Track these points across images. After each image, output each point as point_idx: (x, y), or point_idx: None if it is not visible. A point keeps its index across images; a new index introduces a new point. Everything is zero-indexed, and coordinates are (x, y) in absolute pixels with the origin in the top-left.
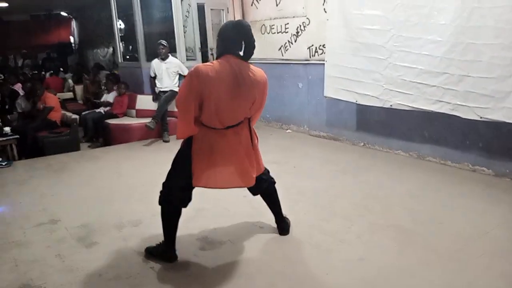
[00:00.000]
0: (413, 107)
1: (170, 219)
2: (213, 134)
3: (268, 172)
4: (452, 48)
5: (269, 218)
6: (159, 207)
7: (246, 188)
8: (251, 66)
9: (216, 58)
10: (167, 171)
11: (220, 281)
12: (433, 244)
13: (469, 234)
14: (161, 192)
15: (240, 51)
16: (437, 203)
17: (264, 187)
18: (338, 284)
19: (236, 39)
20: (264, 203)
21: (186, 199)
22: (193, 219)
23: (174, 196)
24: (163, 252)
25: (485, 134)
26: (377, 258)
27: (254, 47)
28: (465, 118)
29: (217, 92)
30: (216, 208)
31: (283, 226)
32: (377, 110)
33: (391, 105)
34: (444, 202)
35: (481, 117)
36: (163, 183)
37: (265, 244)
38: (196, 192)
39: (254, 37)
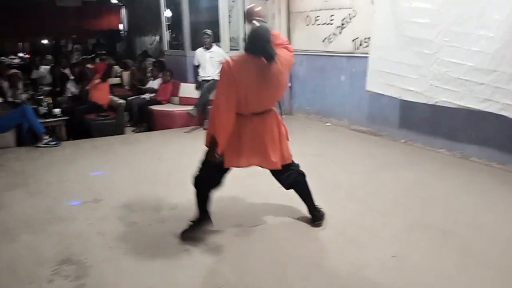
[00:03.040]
0: (460, 105)
1: (202, 196)
2: (241, 119)
3: (298, 165)
4: (506, 45)
5: (304, 209)
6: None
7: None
8: (278, 53)
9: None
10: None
11: (254, 267)
12: (472, 248)
13: (510, 240)
14: (194, 178)
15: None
16: (479, 205)
17: (293, 177)
18: (371, 280)
19: (264, 41)
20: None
21: (218, 182)
22: (229, 206)
23: (207, 179)
24: (199, 222)
25: None
26: (412, 257)
27: (270, 54)
28: None
29: (245, 81)
30: (251, 197)
31: (316, 216)
32: (421, 106)
33: (436, 102)
34: (486, 204)
35: None
36: (198, 166)
37: (300, 235)
38: (231, 180)
39: (299, 28)
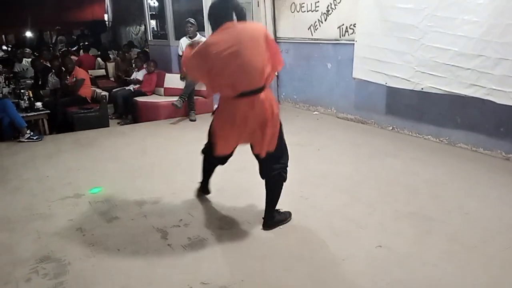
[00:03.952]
0: (446, 91)
1: (205, 167)
2: (228, 102)
3: (286, 166)
4: (490, 29)
5: (289, 201)
6: (179, 185)
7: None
8: (248, 23)
9: (213, 30)
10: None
11: (234, 260)
12: (458, 235)
13: (496, 226)
14: (204, 147)
15: (232, 18)
16: (465, 192)
17: (272, 175)
18: (355, 270)
19: (225, 11)
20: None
21: (222, 160)
22: (213, 199)
23: (211, 155)
24: (200, 185)
25: None
26: (397, 246)
27: (245, 14)
28: (500, 104)
29: (221, 59)
30: (237, 189)
31: (266, 221)
32: (407, 93)
33: (422, 88)
34: (472, 191)
35: None
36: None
37: (284, 227)
38: (217, 171)
39: (284, 16)
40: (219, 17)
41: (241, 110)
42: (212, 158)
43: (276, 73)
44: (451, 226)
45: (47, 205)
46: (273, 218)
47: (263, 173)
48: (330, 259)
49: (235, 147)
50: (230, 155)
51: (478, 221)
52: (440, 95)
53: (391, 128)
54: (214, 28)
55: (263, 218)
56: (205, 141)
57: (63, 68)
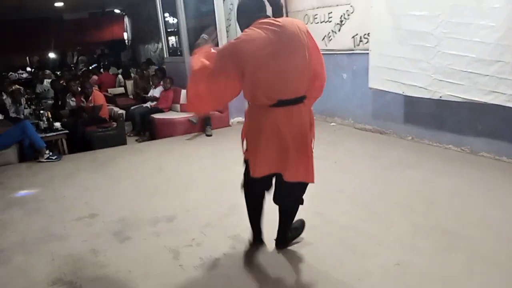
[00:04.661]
0: (465, 99)
1: (251, 208)
2: (260, 112)
3: (301, 194)
4: (507, 33)
5: (304, 216)
6: (193, 202)
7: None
8: (287, 18)
9: (242, 30)
10: (208, 163)
11: (249, 281)
12: (480, 250)
13: None
14: (243, 181)
15: (266, 12)
16: (487, 203)
17: (289, 200)
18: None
19: (260, 3)
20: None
21: (262, 190)
22: (228, 216)
23: (250, 188)
24: (252, 237)
25: None
26: (416, 263)
27: (281, 6)
28: None
29: (254, 56)
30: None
31: (279, 242)
32: (426, 101)
33: (440, 97)
34: (495, 202)
35: None
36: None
37: (298, 245)
38: (231, 186)
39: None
40: (252, 11)
41: (274, 120)
42: (255, 190)
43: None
44: (473, 241)
45: (62, 226)
46: (286, 238)
47: (280, 199)
48: (347, 278)
49: (274, 169)
50: (267, 187)
51: (501, 235)
52: (459, 103)
53: (410, 138)
54: (246, 24)
55: (275, 239)
56: (222, 158)
57: (79, 88)
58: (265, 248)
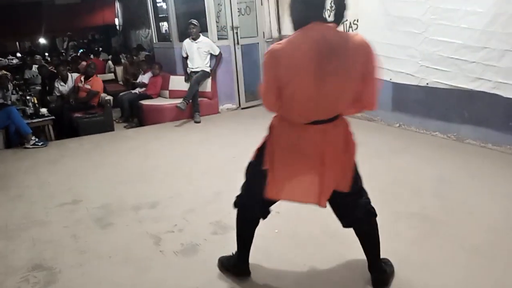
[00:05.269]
0: (451, 85)
1: (244, 228)
2: (292, 130)
3: (367, 197)
4: (494, 19)
5: (285, 204)
6: (178, 188)
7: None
8: (344, 32)
9: (294, 29)
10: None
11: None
12: (460, 236)
13: (502, 226)
14: (237, 198)
15: (324, 13)
16: (471, 190)
17: (358, 216)
18: (350, 277)
19: (318, 3)
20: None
21: (265, 211)
22: (211, 202)
23: (253, 205)
24: (234, 266)
25: None
26: (396, 250)
27: (345, 7)
28: (507, 97)
29: (297, 75)
30: (236, 191)
31: (378, 277)
32: (414, 88)
33: (427, 83)
34: (478, 189)
35: None
36: (241, 190)
37: (279, 230)
38: (217, 173)
39: (288, 13)
40: (307, 12)
41: (310, 138)
42: (254, 213)
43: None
44: (455, 227)
45: (45, 212)
46: (384, 271)
47: (348, 218)
48: (324, 264)
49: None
50: (269, 211)
51: (483, 221)
52: (446, 89)
53: (397, 125)
54: (297, 25)
55: (375, 275)
56: (210, 144)
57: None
58: None
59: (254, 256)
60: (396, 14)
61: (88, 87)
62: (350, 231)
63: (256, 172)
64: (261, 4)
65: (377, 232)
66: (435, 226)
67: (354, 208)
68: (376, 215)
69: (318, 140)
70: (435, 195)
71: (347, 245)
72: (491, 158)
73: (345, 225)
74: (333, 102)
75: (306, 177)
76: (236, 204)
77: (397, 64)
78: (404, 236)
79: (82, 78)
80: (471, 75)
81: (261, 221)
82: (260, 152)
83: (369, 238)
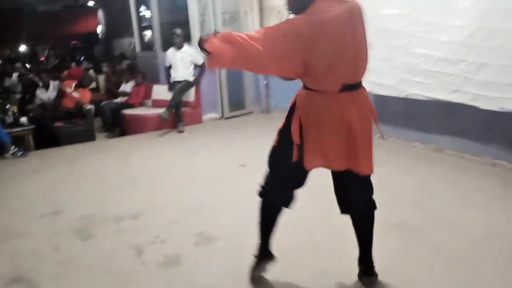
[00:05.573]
0: (430, 97)
1: (269, 217)
2: (324, 98)
3: (372, 189)
4: (473, 33)
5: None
6: (160, 198)
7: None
8: None
9: (301, 10)
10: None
11: (208, 280)
12: (442, 246)
13: (482, 235)
14: (261, 187)
15: None
16: (451, 199)
17: (360, 205)
18: (333, 285)
19: None
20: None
21: (291, 197)
22: (194, 212)
23: (279, 192)
24: (259, 252)
25: (508, 126)
26: (379, 259)
27: None
28: (485, 109)
29: (331, 40)
30: (220, 201)
31: (370, 267)
32: (394, 100)
33: (407, 95)
34: (459, 198)
35: (501, 108)
36: (267, 176)
37: None
38: (200, 183)
39: (272, 24)
40: None
41: (338, 107)
42: (279, 202)
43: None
44: (436, 236)
45: (25, 223)
46: (373, 265)
47: (353, 204)
48: (309, 274)
49: (342, 163)
50: (294, 196)
51: (463, 230)
52: (426, 101)
53: (378, 135)
54: (306, 2)
55: (366, 264)
56: (193, 154)
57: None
58: (230, 245)
59: (238, 270)
60: (379, 26)
61: (77, 95)
62: (333, 245)
63: (282, 158)
64: (245, 15)
65: (373, 224)
66: (416, 236)
67: (357, 196)
68: (376, 208)
69: (347, 106)
70: (416, 205)
71: (330, 258)
72: (470, 168)
73: (344, 210)
74: (359, 61)
75: (339, 144)
76: (260, 194)
77: (378, 76)
78: (386, 246)
79: (73, 85)
80: (450, 87)
81: (246, 230)
82: (284, 134)
83: (365, 228)
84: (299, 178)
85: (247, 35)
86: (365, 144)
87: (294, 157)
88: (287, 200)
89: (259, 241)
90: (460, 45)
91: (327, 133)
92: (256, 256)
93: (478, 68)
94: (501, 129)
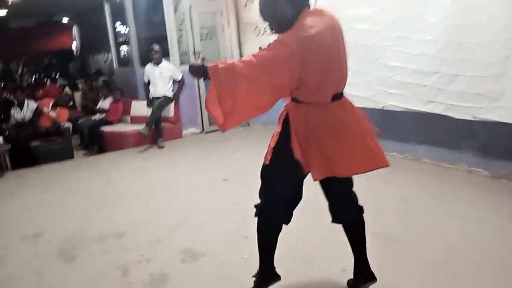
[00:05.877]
0: (406, 108)
1: (268, 236)
2: (316, 109)
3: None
4: (444, 46)
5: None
6: (143, 216)
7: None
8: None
9: (284, 28)
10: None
11: None
12: (421, 254)
13: (459, 243)
14: (257, 207)
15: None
16: (429, 208)
17: (352, 215)
18: None
19: None
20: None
21: (290, 213)
22: (178, 228)
23: (277, 209)
24: (263, 276)
25: (481, 134)
26: None
27: None
28: (459, 119)
29: (321, 53)
30: (203, 216)
31: (368, 272)
32: (370, 111)
33: (383, 107)
34: (436, 207)
35: (474, 117)
36: (262, 194)
37: (248, 256)
38: (183, 199)
39: (249, 39)
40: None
41: (333, 115)
42: (277, 219)
43: None
44: (415, 245)
45: (4, 247)
46: (371, 270)
47: (342, 212)
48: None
49: (363, 166)
50: (292, 213)
51: (441, 238)
52: (403, 112)
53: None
54: (293, 16)
55: (364, 270)
56: (174, 170)
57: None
58: (216, 261)
59: (226, 285)
60: (351, 41)
61: (54, 115)
62: (318, 256)
63: (277, 174)
64: (222, 31)
65: (364, 229)
66: (397, 245)
67: (347, 203)
68: (363, 211)
69: (341, 114)
70: (395, 214)
71: (316, 270)
72: (446, 176)
73: (336, 220)
74: (344, 71)
75: (347, 146)
76: (257, 214)
77: (354, 89)
78: (368, 255)
79: (50, 104)
80: (425, 98)
81: (231, 245)
82: (278, 151)
83: (357, 234)
84: (297, 192)
85: (238, 64)
86: (372, 139)
87: (305, 171)
88: (288, 216)
89: (262, 264)
90: (432, 57)
91: (329, 139)
92: (260, 278)
93: (451, 79)
94: (475, 137)
